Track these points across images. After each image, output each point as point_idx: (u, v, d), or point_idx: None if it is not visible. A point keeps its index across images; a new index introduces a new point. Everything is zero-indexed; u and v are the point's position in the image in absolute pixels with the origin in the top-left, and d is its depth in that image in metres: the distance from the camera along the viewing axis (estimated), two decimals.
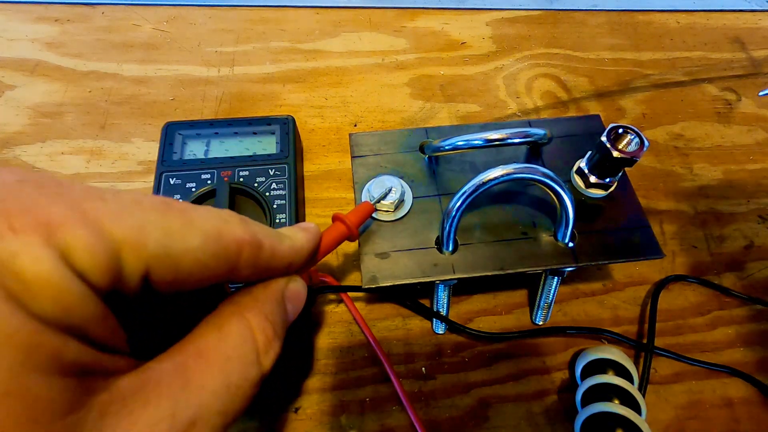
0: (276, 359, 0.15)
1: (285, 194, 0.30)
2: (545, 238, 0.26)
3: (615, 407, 0.24)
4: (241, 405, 0.14)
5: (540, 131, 0.26)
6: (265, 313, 0.15)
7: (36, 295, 0.10)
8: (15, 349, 0.09)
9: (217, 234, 0.14)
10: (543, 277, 0.28)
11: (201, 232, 0.13)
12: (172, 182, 0.29)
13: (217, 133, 0.32)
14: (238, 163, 0.30)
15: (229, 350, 0.14)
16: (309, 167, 0.36)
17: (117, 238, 0.11)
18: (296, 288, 0.17)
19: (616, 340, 0.29)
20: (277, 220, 0.29)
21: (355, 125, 0.38)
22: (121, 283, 0.12)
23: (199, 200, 0.29)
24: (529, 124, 0.30)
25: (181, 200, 0.28)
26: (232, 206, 0.29)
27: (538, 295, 0.29)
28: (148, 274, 0.12)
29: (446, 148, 0.26)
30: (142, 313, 0.15)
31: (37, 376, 0.10)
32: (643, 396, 0.26)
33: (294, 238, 0.17)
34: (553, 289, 0.28)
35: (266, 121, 0.32)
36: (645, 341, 0.30)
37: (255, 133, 0.33)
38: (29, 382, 0.09)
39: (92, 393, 0.11)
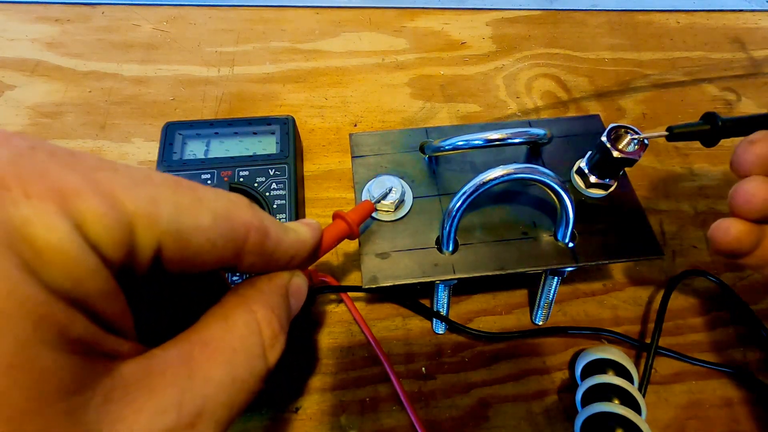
0: (281, 354, 0.15)
1: (285, 194, 0.30)
2: (545, 238, 0.26)
3: (615, 407, 0.24)
4: (246, 399, 0.13)
5: (540, 131, 0.26)
6: (271, 306, 0.15)
7: (47, 264, 0.09)
8: (24, 319, 0.09)
9: (226, 214, 0.14)
10: (543, 277, 0.28)
11: (211, 211, 0.13)
12: None
13: (217, 133, 0.32)
14: (238, 163, 0.30)
15: (236, 342, 0.14)
16: (309, 167, 0.36)
17: (130, 210, 0.11)
18: (299, 283, 0.17)
19: (617, 340, 0.29)
20: (277, 220, 0.29)
21: (355, 125, 0.38)
22: (132, 257, 0.11)
23: None
24: (529, 124, 0.30)
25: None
26: None
27: (538, 295, 0.29)
28: (159, 250, 0.12)
29: (446, 148, 0.26)
30: (148, 296, 0.15)
31: (45, 349, 0.09)
32: (643, 396, 0.26)
33: (298, 231, 0.17)
34: (553, 289, 0.28)
35: (266, 121, 0.33)
36: (646, 341, 0.30)
37: (255, 133, 0.33)
38: (36, 356, 0.09)
39: (96, 375, 0.10)
